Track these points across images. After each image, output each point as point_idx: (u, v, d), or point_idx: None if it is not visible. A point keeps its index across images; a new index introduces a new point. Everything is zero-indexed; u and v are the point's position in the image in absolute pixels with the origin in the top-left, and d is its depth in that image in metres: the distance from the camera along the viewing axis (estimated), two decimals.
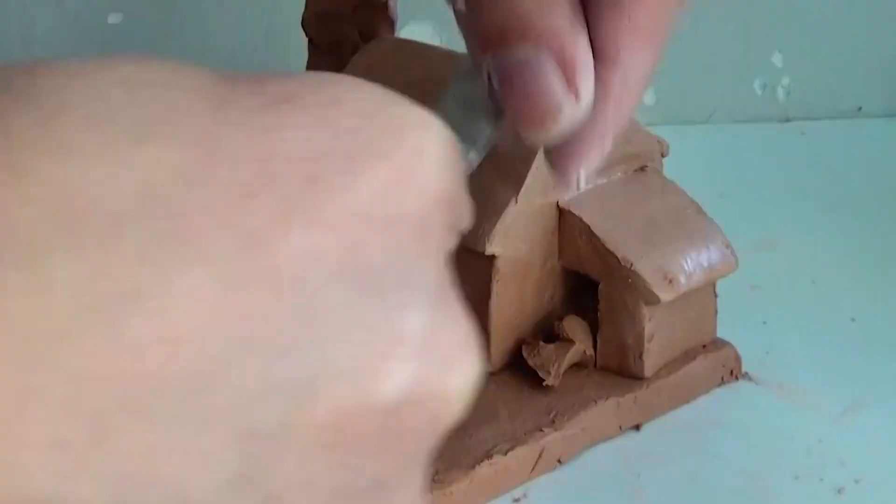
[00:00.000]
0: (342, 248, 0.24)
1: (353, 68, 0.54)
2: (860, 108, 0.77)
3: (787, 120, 0.77)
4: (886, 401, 0.50)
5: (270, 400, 0.23)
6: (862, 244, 0.62)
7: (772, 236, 0.63)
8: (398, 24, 0.56)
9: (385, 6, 0.55)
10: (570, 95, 0.35)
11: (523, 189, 0.47)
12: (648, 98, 0.76)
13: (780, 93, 0.77)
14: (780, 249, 0.62)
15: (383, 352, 0.24)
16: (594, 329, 0.49)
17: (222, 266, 0.22)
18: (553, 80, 0.34)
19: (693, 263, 0.48)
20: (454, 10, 0.36)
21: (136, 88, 0.23)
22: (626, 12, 0.36)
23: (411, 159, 0.25)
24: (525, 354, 0.48)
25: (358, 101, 0.25)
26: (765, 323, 0.55)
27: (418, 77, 0.52)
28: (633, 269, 0.47)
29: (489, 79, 0.35)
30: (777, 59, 0.76)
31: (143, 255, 0.22)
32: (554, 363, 0.48)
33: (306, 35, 0.57)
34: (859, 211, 0.66)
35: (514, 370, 0.49)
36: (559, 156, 0.37)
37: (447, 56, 0.52)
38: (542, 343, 0.48)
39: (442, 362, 0.25)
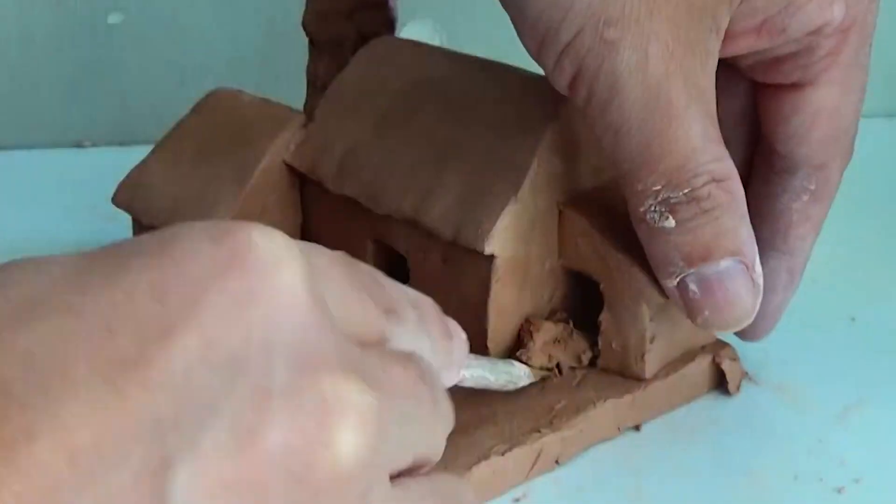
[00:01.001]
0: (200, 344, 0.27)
1: (352, 68, 0.54)
2: None
3: None
4: (886, 401, 0.50)
5: None
6: (862, 244, 0.62)
7: None
8: (398, 24, 0.56)
9: (385, 6, 0.55)
10: (757, 293, 0.44)
11: (522, 188, 0.47)
12: None
13: None
14: None
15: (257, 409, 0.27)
16: (595, 330, 0.49)
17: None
18: (748, 283, 0.43)
19: None
20: (655, 228, 0.43)
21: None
22: (810, 220, 0.48)
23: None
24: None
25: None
26: None
27: (418, 77, 0.52)
28: (633, 268, 0.47)
29: (679, 290, 0.44)
30: None
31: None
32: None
33: (306, 34, 0.57)
34: (859, 211, 0.66)
35: None
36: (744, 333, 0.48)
37: (447, 56, 0.52)
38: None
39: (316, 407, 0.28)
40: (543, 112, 0.48)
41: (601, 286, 0.48)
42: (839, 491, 0.46)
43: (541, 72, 0.50)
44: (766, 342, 0.53)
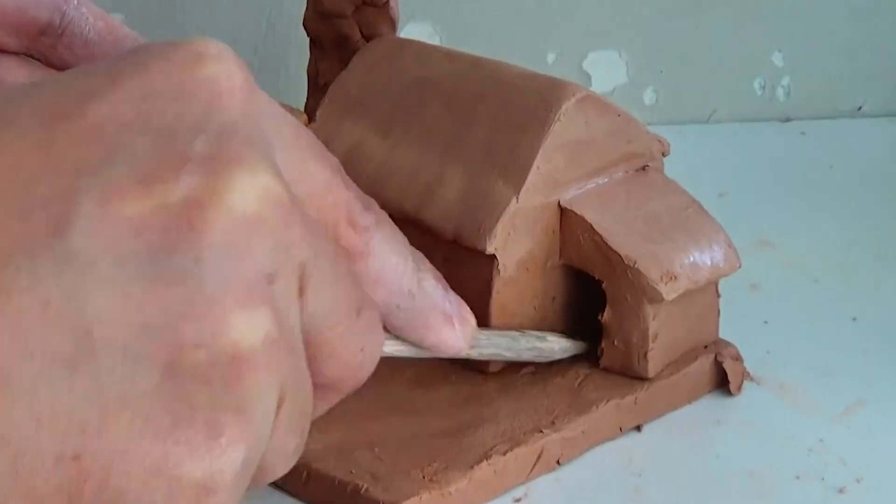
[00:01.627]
0: (135, 115, 0.30)
1: (353, 68, 0.54)
2: (860, 108, 0.77)
3: (787, 120, 0.77)
4: (888, 400, 0.50)
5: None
6: (863, 244, 0.62)
7: (772, 236, 0.63)
8: (398, 24, 0.56)
9: (386, 6, 0.55)
10: None
11: (524, 188, 0.47)
12: (648, 98, 0.76)
13: (780, 93, 0.77)
14: (781, 249, 0.62)
15: (171, 165, 0.29)
16: (597, 329, 0.49)
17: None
18: None
19: (696, 261, 0.48)
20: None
21: None
22: None
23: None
24: None
25: None
26: (766, 323, 0.55)
27: (419, 77, 0.52)
28: (635, 266, 0.47)
29: None
30: (777, 59, 0.76)
31: None
32: None
33: (307, 34, 0.57)
34: (860, 211, 0.66)
35: (514, 370, 0.49)
36: None
37: (447, 56, 0.52)
38: None
39: (224, 171, 0.29)
40: (545, 111, 0.48)
41: (603, 284, 0.48)
42: (840, 491, 0.46)
43: (542, 71, 0.50)
44: (767, 342, 0.53)
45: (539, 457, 0.46)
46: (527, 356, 0.46)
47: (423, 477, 0.44)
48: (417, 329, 0.37)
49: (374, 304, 0.34)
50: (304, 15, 0.57)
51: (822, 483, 0.46)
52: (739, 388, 0.50)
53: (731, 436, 0.48)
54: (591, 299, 0.49)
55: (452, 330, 0.38)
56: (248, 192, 0.29)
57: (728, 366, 0.50)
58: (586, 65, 0.75)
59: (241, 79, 0.31)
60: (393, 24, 0.55)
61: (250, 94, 0.31)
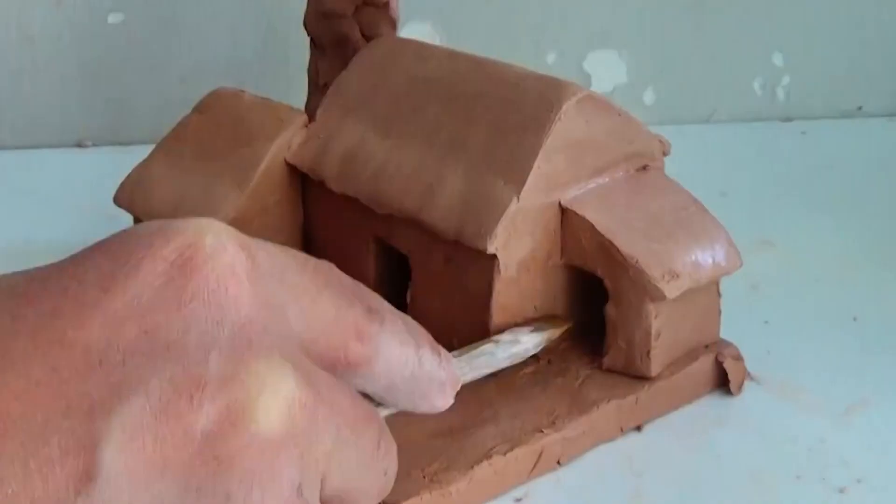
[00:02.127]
0: (137, 334, 0.28)
1: (353, 68, 0.54)
2: (860, 108, 0.77)
3: (788, 120, 0.77)
4: (888, 400, 0.50)
5: None
6: (863, 243, 0.62)
7: (773, 236, 0.63)
8: (398, 24, 0.56)
9: (386, 6, 0.55)
10: None
11: (525, 188, 0.47)
12: (648, 98, 0.76)
13: (780, 93, 0.77)
14: (781, 249, 0.62)
15: (188, 393, 0.28)
16: (598, 329, 0.49)
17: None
18: None
19: (698, 260, 0.48)
20: None
21: None
22: None
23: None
24: None
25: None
26: (766, 322, 0.55)
27: (419, 76, 0.52)
28: (637, 265, 0.47)
29: None
30: (777, 59, 0.77)
31: None
32: None
33: (308, 34, 0.57)
34: (860, 210, 0.66)
35: (515, 370, 0.49)
36: None
37: (448, 55, 0.52)
38: None
39: (244, 394, 0.28)
40: (545, 111, 0.48)
41: (605, 283, 0.48)
42: (841, 491, 0.46)
43: (542, 71, 0.50)
44: (767, 342, 0.53)
45: (539, 457, 0.46)
46: (506, 364, 0.46)
47: (424, 477, 0.44)
48: (414, 401, 0.36)
49: (384, 426, 0.34)
50: (304, 15, 0.57)
51: (822, 483, 0.46)
52: (740, 387, 0.50)
53: (731, 436, 0.49)
54: (593, 299, 0.49)
55: (444, 395, 0.37)
56: (271, 412, 0.28)
57: (729, 366, 0.50)
58: (586, 65, 0.75)
59: (243, 264, 0.30)
60: (393, 24, 0.55)
61: (255, 275, 0.30)
